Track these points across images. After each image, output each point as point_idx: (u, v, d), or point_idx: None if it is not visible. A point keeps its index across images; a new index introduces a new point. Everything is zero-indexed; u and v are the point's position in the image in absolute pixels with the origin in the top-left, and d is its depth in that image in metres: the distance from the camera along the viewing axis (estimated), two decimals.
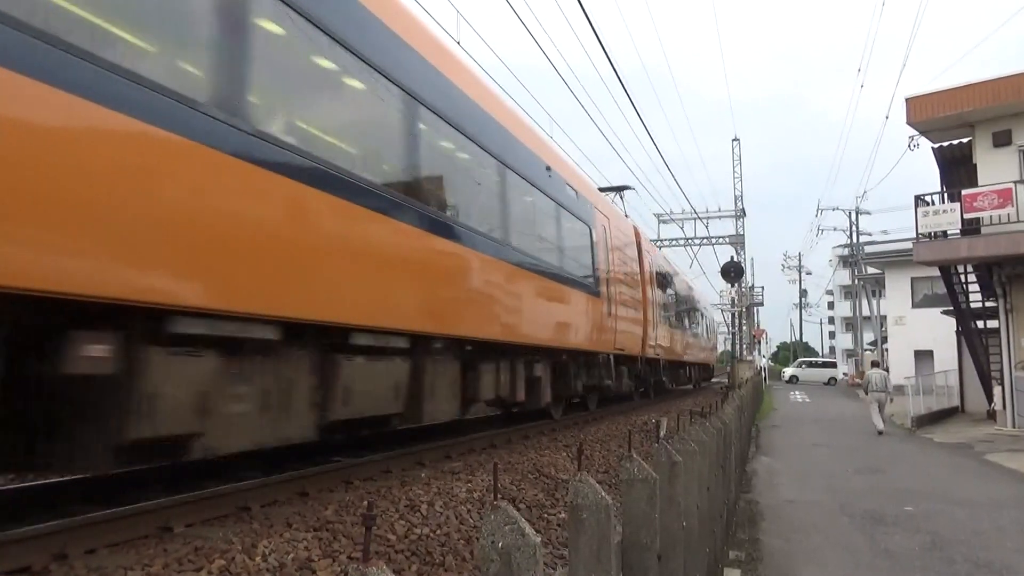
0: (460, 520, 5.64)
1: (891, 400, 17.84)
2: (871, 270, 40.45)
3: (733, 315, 44.14)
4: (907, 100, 18.55)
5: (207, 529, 4.76)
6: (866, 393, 17.96)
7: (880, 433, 16.47)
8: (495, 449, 9.53)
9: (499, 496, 1.83)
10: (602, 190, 19.06)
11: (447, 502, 5.96)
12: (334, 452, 7.76)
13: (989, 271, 17.38)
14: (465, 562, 4.88)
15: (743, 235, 40.86)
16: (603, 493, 2.18)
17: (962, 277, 19.21)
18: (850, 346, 54.83)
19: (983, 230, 16.82)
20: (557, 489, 7.39)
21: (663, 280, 20.91)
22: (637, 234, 17.96)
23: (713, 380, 41.62)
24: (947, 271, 18.51)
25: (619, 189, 23.00)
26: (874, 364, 22.03)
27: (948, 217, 17.26)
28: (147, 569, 3.83)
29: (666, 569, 2.89)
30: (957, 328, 21.83)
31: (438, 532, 5.27)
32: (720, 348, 52.51)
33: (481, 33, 32.03)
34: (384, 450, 8.06)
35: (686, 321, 26.20)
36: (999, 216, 16.37)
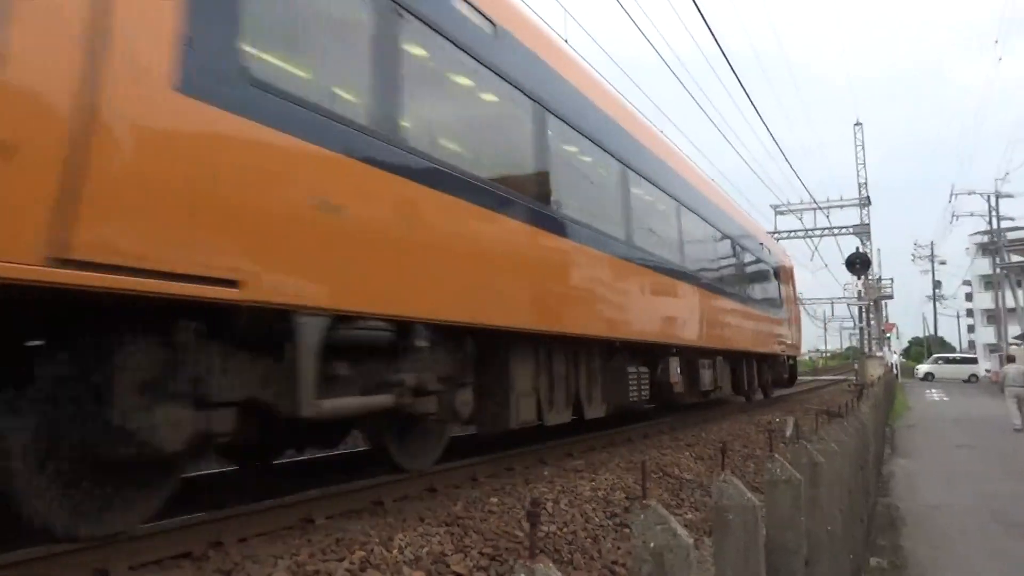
0: (586, 519, 5.64)
1: None
2: (1015, 258, 37.45)
3: (860, 309, 41.91)
4: None
5: (345, 522, 4.99)
6: (1003, 390, 16.83)
7: (1017, 430, 15.51)
8: (615, 447, 9.46)
9: (646, 496, 1.82)
10: None
11: (572, 500, 5.97)
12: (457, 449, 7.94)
13: None
14: (593, 560, 4.88)
15: (868, 224, 38.63)
16: (749, 494, 2.14)
17: None
18: (992, 340, 50.93)
19: None
20: (682, 489, 7.27)
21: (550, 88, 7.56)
22: None
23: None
24: None
25: None
26: (1010, 359, 20.73)
27: None
28: (295, 558, 4.05)
29: (811, 574, 2.79)
30: None
31: (564, 530, 5.29)
32: (845, 342, 48.95)
33: (588, 29, 31.89)
34: (508, 448, 8.17)
35: (693, 256, 12.30)
36: None
